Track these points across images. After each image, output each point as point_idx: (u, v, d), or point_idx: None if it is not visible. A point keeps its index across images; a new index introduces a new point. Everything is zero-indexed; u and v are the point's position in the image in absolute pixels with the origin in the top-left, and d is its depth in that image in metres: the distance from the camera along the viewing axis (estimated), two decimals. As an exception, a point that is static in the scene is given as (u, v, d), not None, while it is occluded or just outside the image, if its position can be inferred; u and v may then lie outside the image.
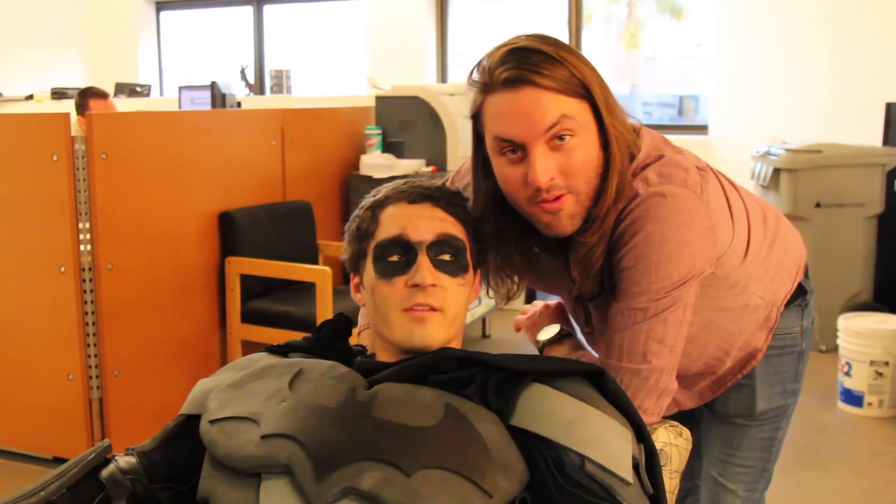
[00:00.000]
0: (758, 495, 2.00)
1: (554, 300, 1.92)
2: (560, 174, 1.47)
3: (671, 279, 1.50)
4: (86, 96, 5.77)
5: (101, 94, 5.79)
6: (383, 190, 1.59)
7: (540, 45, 1.45)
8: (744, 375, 1.85)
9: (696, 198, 1.53)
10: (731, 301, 1.72)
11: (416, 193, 1.54)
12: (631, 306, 1.51)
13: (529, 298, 6.39)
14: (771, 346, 1.83)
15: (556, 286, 1.77)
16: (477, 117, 1.54)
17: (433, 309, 1.46)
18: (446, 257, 1.50)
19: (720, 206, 1.64)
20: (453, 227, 1.52)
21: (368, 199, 1.60)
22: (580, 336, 1.85)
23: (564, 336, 1.83)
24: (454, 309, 1.49)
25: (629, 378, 1.53)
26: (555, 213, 1.50)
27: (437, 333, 1.46)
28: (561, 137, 1.45)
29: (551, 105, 1.44)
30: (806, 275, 1.90)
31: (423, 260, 1.47)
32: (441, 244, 1.49)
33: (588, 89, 1.46)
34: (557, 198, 1.49)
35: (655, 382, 1.55)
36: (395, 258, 1.49)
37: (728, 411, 1.91)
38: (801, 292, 1.88)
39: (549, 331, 1.84)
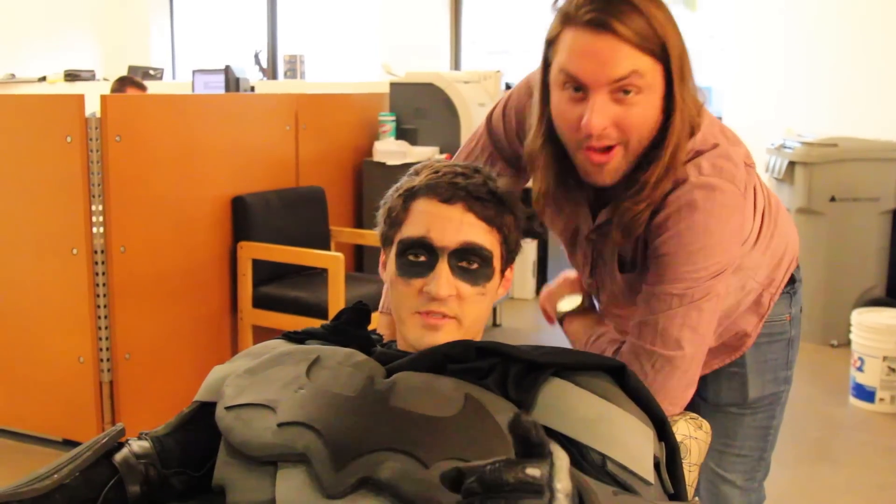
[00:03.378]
0: (756, 484, 2.00)
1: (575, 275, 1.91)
2: (614, 126, 1.46)
3: (708, 270, 1.51)
4: (124, 83, 5.76)
5: (140, 85, 5.78)
6: (422, 173, 1.53)
7: None
8: (733, 361, 1.86)
9: (741, 195, 1.54)
10: (732, 284, 1.72)
11: (451, 193, 1.47)
12: (667, 291, 1.52)
13: (540, 285, 6.40)
14: (761, 333, 1.85)
15: (570, 224, 1.75)
16: (550, 43, 1.52)
17: (448, 317, 1.45)
18: (469, 265, 1.46)
19: (751, 202, 1.66)
20: (482, 235, 1.46)
21: (404, 182, 1.55)
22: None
23: (586, 309, 1.83)
24: (470, 317, 1.46)
25: (661, 364, 1.53)
26: (601, 165, 1.50)
27: (448, 340, 1.44)
28: (626, 91, 1.44)
29: (626, 57, 1.42)
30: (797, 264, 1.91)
31: (443, 268, 1.44)
32: (465, 252, 1.45)
33: (667, 51, 1.45)
34: (607, 150, 1.49)
35: (685, 372, 1.55)
36: (416, 258, 1.46)
37: (721, 400, 1.92)
38: (791, 280, 1.89)
39: (572, 301, 1.84)
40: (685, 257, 1.50)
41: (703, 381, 1.91)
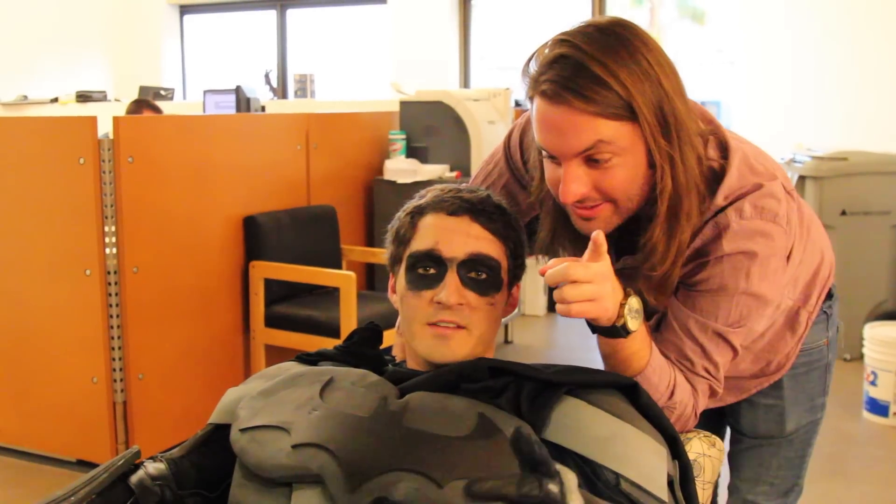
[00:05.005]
0: None
1: None
2: (594, 189, 1.43)
3: (752, 310, 1.51)
4: (140, 106, 5.79)
5: (155, 108, 5.82)
6: (428, 195, 1.56)
7: (592, 59, 1.35)
8: (769, 392, 1.83)
9: (783, 232, 1.50)
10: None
11: (456, 205, 1.50)
12: (708, 323, 1.52)
13: (552, 305, 6.38)
14: (798, 363, 1.81)
15: None
16: (530, 101, 1.48)
17: (458, 327, 1.46)
18: (478, 275, 1.47)
19: (794, 232, 1.59)
20: (489, 245, 1.49)
21: (411, 203, 1.57)
22: None
23: None
24: (480, 327, 1.47)
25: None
26: (587, 220, 1.48)
27: (459, 351, 1.45)
28: (597, 159, 1.40)
29: (587, 128, 1.37)
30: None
31: (452, 278, 1.46)
32: (472, 262, 1.47)
33: (636, 112, 1.37)
34: (593, 207, 1.46)
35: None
36: (425, 271, 1.48)
37: (758, 432, 1.88)
38: (828, 296, 1.84)
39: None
40: (727, 298, 1.49)
41: (738, 412, 1.89)
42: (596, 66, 1.35)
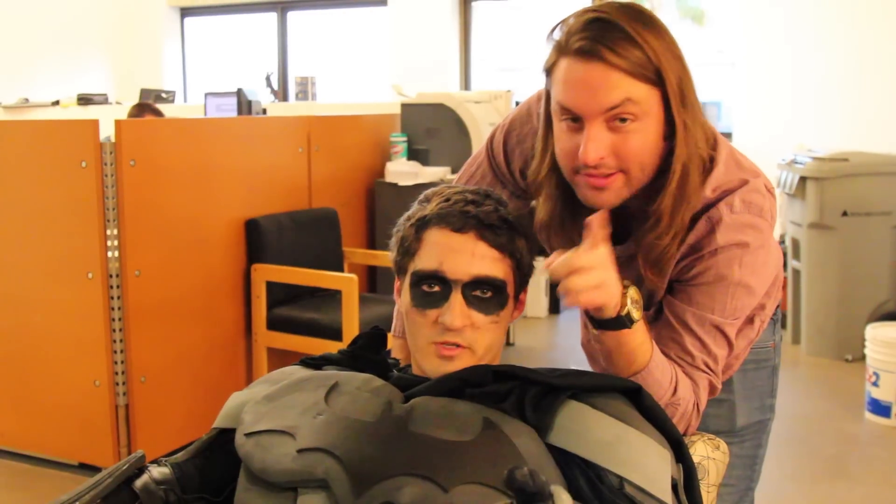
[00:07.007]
0: None
1: None
2: (612, 154, 1.44)
3: (744, 301, 1.55)
4: (143, 110, 5.80)
5: (157, 112, 5.83)
6: (433, 200, 1.53)
7: (624, 22, 1.41)
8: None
9: (769, 227, 1.54)
10: None
11: (462, 221, 1.47)
12: (705, 316, 1.54)
13: (553, 306, 6.40)
14: (747, 360, 1.83)
15: None
16: (548, 73, 1.50)
17: (461, 346, 1.45)
18: (483, 294, 1.46)
19: (777, 229, 1.65)
20: (494, 265, 1.47)
21: (416, 211, 1.55)
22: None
23: None
24: (483, 346, 1.46)
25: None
26: (599, 189, 1.48)
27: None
28: (622, 119, 1.42)
29: (618, 85, 1.40)
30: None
31: (457, 299, 1.44)
32: (478, 283, 1.45)
33: (662, 77, 1.42)
34: (607, 175, 1.47)
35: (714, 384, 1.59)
36: (430, 288, 1.47)
37: (708, 429, 1.85)
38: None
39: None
40: (723, 290, 1.52)
41: None
42: (629, 27, 1.41)
